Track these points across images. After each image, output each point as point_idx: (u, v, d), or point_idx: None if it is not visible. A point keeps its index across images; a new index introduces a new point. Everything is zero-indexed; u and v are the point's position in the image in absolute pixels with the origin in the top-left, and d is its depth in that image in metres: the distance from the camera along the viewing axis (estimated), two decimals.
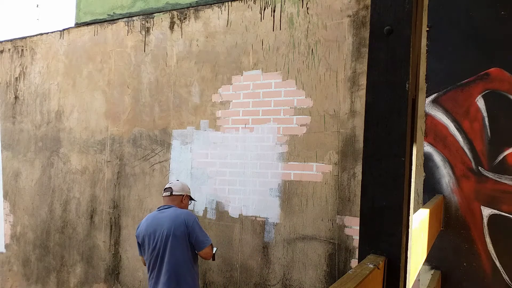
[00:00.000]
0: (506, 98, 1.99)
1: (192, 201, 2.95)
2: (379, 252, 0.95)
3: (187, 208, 2.85)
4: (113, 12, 3.99)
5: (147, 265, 2.66)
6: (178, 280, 2.52)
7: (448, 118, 2.12)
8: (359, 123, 2.79)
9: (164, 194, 2.76)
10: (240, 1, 3.29)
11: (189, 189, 2.89)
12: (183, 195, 2.76)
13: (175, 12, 3.62)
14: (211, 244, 2.68)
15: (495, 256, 1.98)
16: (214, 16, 3.41)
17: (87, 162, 4.05)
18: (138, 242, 2.75)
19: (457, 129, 2.10)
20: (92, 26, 4.11)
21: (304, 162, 2.97)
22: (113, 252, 3.84)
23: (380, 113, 0.96)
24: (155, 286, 2.58)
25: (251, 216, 3.16)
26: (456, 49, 2.12)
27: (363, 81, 2.78)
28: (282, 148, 3.05)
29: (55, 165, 4.27)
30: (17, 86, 4.63)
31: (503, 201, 1.98)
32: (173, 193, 2.71)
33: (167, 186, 2.80)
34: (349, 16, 2.86)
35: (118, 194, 3.84)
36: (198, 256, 2.67)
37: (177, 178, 2.86)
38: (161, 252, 2.56)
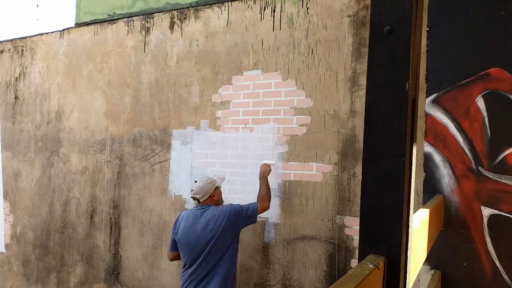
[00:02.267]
0: (506, 98, 1.99)
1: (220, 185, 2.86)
2: (379, 252, 0.95)
3: (221, 198, 2.81)
4: (113, 12, 3.99)
5: (185, 263, 2.65)
6: (223, 281, 2.58)
7: (448, 118, 2.12)
8: (359, 123, 2.78)
9: (195, 202, 2.75)
10: (240, 1, 3.29)
11: (211, 182, 2.72)
12: (209, 195, 2.71)
13: (175, 12, 3.62)
14: (258, 201, 2.70)
15: (495, 256, 1.98)
16: (214, 16, 3.41)
17: (87, 162, 4.05)
18: (172, 236, 2.75)
19: (457, 129, 2.10)
20: (92, 26, 4.11)
21: (304, 162, 2.97)
22: (113, 252, 3.84)
23: (380, 113, 0.96)
24: (196, 284, 2.60)
25: None
26: (456, 49, 2.12)
27: (363, 81, 2.78)
28: (282, 148, 3.05)
29: (55, 165, 4.27)
30: (17, 86, 4.63)
31: (503, 201, 1.98)
32: (201, 200, 2.69)
33: (191, 195, 2.71)
34: (349, 16, 2.86)
35: (118, 194, 3.84)
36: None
37: (195, 180, 2.74)
38: (205, 253, 2.57)
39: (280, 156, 3.04)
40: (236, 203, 2.74)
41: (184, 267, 2.69)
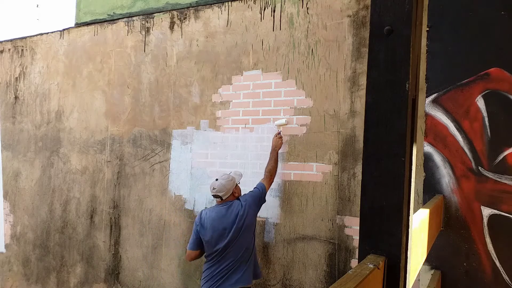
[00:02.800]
0: (506, 98, 1.99)
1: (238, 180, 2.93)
2: (379, 252, 0.95)
3: (241, 193, 2.85)
4: (113, 12, 3.99)
5: (213, 257, 2.70)
6: (250, 270, 2.71)
7: (448, 118, 2.12)
8: (359, 123, 2.78)
9: (216, 199, 2.77)
10: (240, 1, 3.29)
11: (231, 179, 2.77)
12: (232, 191, 2.75)
13: (175, 12, 3.62)
14: (264, 180, 2.83)
15: (495, 256, 1.98)
16: (214, 16, 3.41)
17: (87, 162, 4.05)
18: (197, 233, 2.77)
19: (457, 129, 2.10)
20: (92, 26, 4.11)
21: (304, 162, 2.97)
22: (113, 252, 3.84)
23: (380, 113, 0.96)
24: (225, 275, 2.67)
25: None
26: (456, 49, 2.12)
27: (363, 81, 2.78)
28: (282, 148, 3.05)
29: (55, 165, 4.27)
30: (17, 86, 4.63)
31: (503, 201, 1.98)
32: (223, 198, 2.73)
33: (213, 193, 2.74)
34: (349, 16, 2.86)
35: (118, 194, 3.84)
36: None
37: (216, 178, 2.76)
38: (235, 243, 2.66)
39: (280, 156, 3.04)
40: (249, 191, 2.79)
41: (210, 261, 2.72)
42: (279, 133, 2.98)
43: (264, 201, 2.80)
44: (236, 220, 2.66)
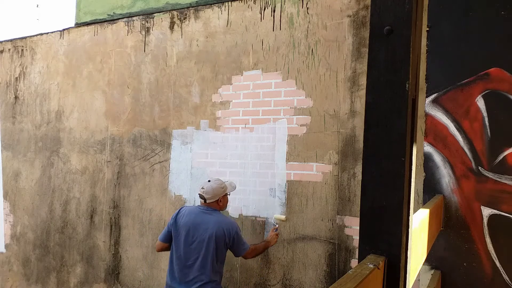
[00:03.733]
0: (506, 98, 1.99)
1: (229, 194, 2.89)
2: (379, 252, 0.95)
3: (226, 206, 2.83)
4: (113, 12, 3.99)
5: (175, 253, 2.70)
6: (204, 280, 2.63)
7: (448, 118, 2.12)
8: (359, 123, 2.78)
9: (200, 200, 2.77)
10: (240, 1, 3.29)
11: (223, 187, 2.75)
12: (217, 199, 2.72)
13: (175, 12, 3.62)
14: (250, 248, 2.74)
15: (495, 256, 1.99)
16: (214, 16, 3.41)
17: (87, 162, 4.05)
18: (169, 227, 2.76)
19: (457, 129, 2.10)
20: (92, 26, 4.11)
21: (304, 162, 2.97)
22: (113, 252, 3.84)
23: (380, 113, 0.96)
24: (176, 276, 2.66)
25: (251, 216, 3.16)
26: (456, 49, 2.12)
27: (363, 81, 2.78)
28: (283, 149, 3.05)
29: (55, 165, 4.27)
30: (17, 86, 4.63)
31: (503, 201, 1.98)
32: (207, 201, 2.71)
33: (199, 192, 2.73)
34: (349, 16, 2.86)
35: (118, 194, 3.84)
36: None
37: (209, 179, 2.76)
38: (197, 250, 2.62)
39: (281, 156, 3.04)
40: (240, 236, 2.72)
41: (172, 256, 2.72)
42: (276, 229, 2.94)
43: (235, 255, 2.73)
44: (208, 231, 2.61)
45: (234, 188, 2.90)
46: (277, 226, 2.95)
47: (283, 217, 2.99)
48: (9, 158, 4.66)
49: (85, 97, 4.10)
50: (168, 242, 2.80)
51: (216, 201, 2.73)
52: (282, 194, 3.05)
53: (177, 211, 2.81)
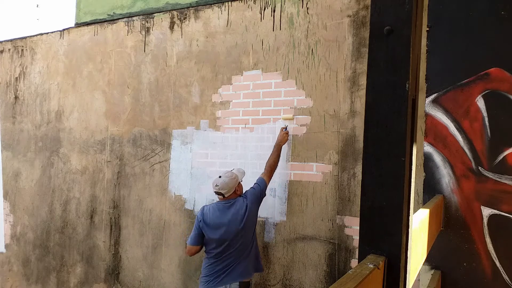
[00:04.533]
0: (506, 98, 1.99)
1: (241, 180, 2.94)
2: (379, 252, 0.95)
3: (243, 191, 2.86)
4: (113, 12, 3.99)
5: (215, 251, 2.72)
6: (254, 262, 2.78)
7: (448, 118, 2.12)
8: (359, 123, 2.78)
9: (218, 197, 2.79)
10: (240, 1, 3.29)
11: (234, 177, 2.77)
12: (234, 189, 2.77)
13: (175, 12, 3.62)
14: (264, 176, 2.83)
15: (495, 256, 1.99)
16: (214, 16, 3.41)
17: (87, 162, 4.05)
18: (199, 229, 2.76)
19: (457, 129, 2.10)
20: (92, 26, 4.11)
21: (304, 162, 2.97)
22: (113, 252, 3.84)
23: (380, 113, 0.96)
24: (227, 272, 2.71)
25: None
26: (456, 49, 2.12)
27: (363, 81, 2.78)
28: (284, 147, 3.04)
29: (55, 165, 4.27)
30: (17, 86, 4.63)
31: (503, 201, 1.98)
32: (226, 195, 2.74)
33: (215, 190, 2.74)
34: (349, 16, 2.86)
35: (118, 194, 3.84)
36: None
37: (219, 175, 2.77)
38: (240, 240, 2.69)
39: (281, 156, 3.04)
40: (251, 188, 2.80)
41: (212, 257, 2.73)
42: (285, 128, 2.97)
43: (265, 195, 2.83)
44: (239, 218, 2.68)
45: (244, 173, 2.93)
46: (286, 125, 2.99)
47: (290, 115, 3.02)
48: (9, 158, 4.66)
49: (85, 97, 4.10)
50: (200, 244, 2.79)
51: (234, 192, 2.77)
52: (282, 194, 3.05)
53: (200, 212, 2.80)
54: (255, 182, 2.83)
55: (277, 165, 2.90)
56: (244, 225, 2.69)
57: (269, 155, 2.91)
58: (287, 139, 2.96)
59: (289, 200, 3.02)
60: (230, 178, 2.74)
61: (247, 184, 3.01)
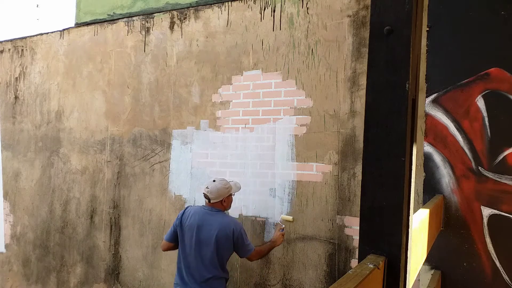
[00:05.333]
0: (506, 98, 1.99)
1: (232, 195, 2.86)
2: (379, 252, 0.95)
3: (230, 206, 2.82)
4: (113, 12, 3.99)
5: (181, 253, 2.71)
6: (208, 279, 2.64)
7: (448, 118, 2.12)
8: (359, 123, 2.78)
9: (205, 200, 2.76)
10: (240, 1, 3.29)
11: (228, 187, 2.72)
12: (222, 199, 2.71)
13: (175, 12, 3.62)
14: (254, 249, 2.70)
15: (495, 256, 1.99)
16: (214, 16, 3.41)
17: (87, 162, 4.05)
18: (174, 227, 2.75)
19: (457, 129, 2.10)
20: (92, 26, 4.11)
21: (304, 162, 2.97)
22: (113, 252, 3.84)
23: (380, 113, 0.96)
24: (187, 273, 2.67)
25: (251, 216, 3.16)
26: (456, 49, 2.12)
27: (363, 81, 2.78)
28: (284, 149, 3.05)
29: (55, 165, 4.27)
30: (17, 86, 4.63)
31: (503, 201, 1.98)
32: (211, 201, 2.70)
33: (204, 191, 2.72)
34: (349, 16, 2.86)
35: (118, 194, 3.84)
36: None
37: (214, 179, 2.75)
38: (201, 248, 2.64)
39: (283, 157, 3.04)
40: (245, 235, 2.69)
41: (179, 258, 2.73)
42: (282, 229, 2.86)
43: (241, 256, 2.71)
44: (211, 231, 2.62)
45: (239, 188, 2.87)
46: (283, 226, 2.88)
47: (290, 217, 2.94)
48: (9, 158, 4.66)
49: (85, 97, 4.10)
50: (174, 241, 2.79)
51: (220, 201, 2.71)
52: (282, 194, 3.05)
53: (182, 211, 2.80)
54: (251, 244, 2.71)
55: (262, 256, 2.79)
56: (214, 243, 2.59)
57: (262, 245, 2.80)
58: (282, 240, 2.84)
59: (289, 200, 3.02)
60: (222, 186, 2.69)
61: (248, 184, 3.02)
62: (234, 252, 2.71)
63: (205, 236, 2.63)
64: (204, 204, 2.79)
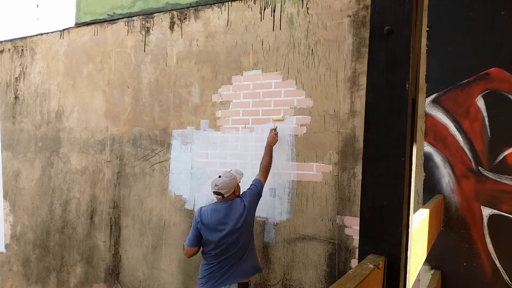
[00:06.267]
0: (506, 98, 1.99)
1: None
2: (379, 252, 0.95)
3: (240, 192, 2.86)
4: (113, 12, 3.99)
5: (213, 252, 2.71)
6: (251, 263, 2.77)
7: (448, 118, 2.12)
8: (359, 123, 2.78)
9: (217, 197, 2.77)
10: (240, 1, 3.29)
11: (234, 178, 2.77)
12: (233, 190, 2.77)
13: (175, 12, 3.62)
14: (261, 175, 2.86)
15: (495, 256, 1.99)
16: (214, 16, 3.41)
17: (87, 162, 4.05)
18: (197, 231, 2.75)
19: (457, 129, 2.10)
20: (92, 26, 4.11)
21: (304, 162, 2.97)
22: (113, 252, 3.84)
23: (380, 113, 0.96)
24: (229, 270, 2.71)
25: None
26: (456, 49, 2.12)
27: (363, 81, 2.78)
28: (285, 148, 3.05)
29: (55, 165, 4.27)
30: (17, 86, 4.63)
31: (503, 201, 1.98)
32: (225, 196, 2.73)
33: (215, 189, 2.73)
34: (349, 16, 2.86)
35: (118, 194, 3.84)
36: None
37: (219, 175, 2.76)
38: (237, 239, 2.69)
39: (283, 157, 3.04)
40: (248, 189, 2.81)
41: (210, 258, 2.72)
42: (275, 129, 3.01)
43: (261, 195, 2.84)
44: (237, 219, 2.68)
45: (242, 174, 2.92)
46: (275, 126, 3.04)
47: (280, 116, 3.06)
48: (9, 158, 4.66)
49: (85, 97, 4.10)
50: (198, 245, 2.77)
51: (233, 192, 2.77)
52: (282, 194, 3.05)
53: (198, 213, 2.79)
54: (252, 183, 2.85)
55: (270, 165, 2.94)
56: (242, 225, 2.69)
57: (262, 157, 2.95)
58: (277, 139, 3.00)
59: (289, 200, 3.02)
60: (230, 178, 2.74)
61: (247, 184, 3.01)
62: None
63: (236, 225, 2.67)
64: (217, 201, 2.79)
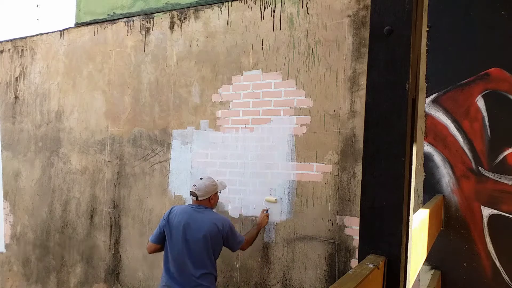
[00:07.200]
0: (506, 98, 1.99)
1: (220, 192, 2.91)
2: (379, 252, 0.95)
3: (216, 204, 2.84)
4: (113, 12, 3.99)
5: (170, 253, 2.69)
6: (199, 276, 2.64)
7: (448, 118, 2.12)
8: (359, 123, 2.78)
9: (192, 198, 2.77)
10: (240, 1, 3.29)
11: (215, 185, 2.78)
12: (209, 196, 2.74)
13: (175, 12, 3.62)
14: (244, 239, 2.78)
15: (495, 256, 1.99)
16: (214, 16, 3.41)
17: (87, 162, 4.05)
18: (161, 228, 2.75)
19: (457, 129, 2.10)
20: (92, 26, 4.11)
21: (304, 162, 2.97)
22: (113, 252, 3.84)
23: (380, 113, 0.96)
24: (173, 275, 2.66)
25: (251, 216, 3.16)
26: (456, 49, 2.12)
27: (363, 81, 2.78)
28: (285, 149, 3.05)
29: (55, 165, 4.27)
30: (17, 86, 4.63)
31: (503, 201, 1.98)
32: (199, 198, 2.72)
33: (191, 189, 2.74)
34: (349, 16, 2.86)
35: (118, 194, 3.84)
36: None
37: (201, 176, 2.78)
38: (191, 246, 2.63)
39: (283, 156, 3.04)
40: (234, 230, 2.74)
41: (170, 259, 2.70)
42: (267, 211, 3.00)
43: (233, 250, 2.76)
44: (201, 228, 2.63)
45: (225, 187, 2.92)
46: (267, 208, 3.01)
47: (273, 198, 3.03)
48: (9, 158, 4.66)
49: (85, 97, 4.10)
50: (160, 243, 2.78)
51: (207, 199, 2.74)
52: (282, 194, 3.05)
53: (168, 211, 2.80)
54: (241, 235, 2.79)
55: (253, 241, 2.89)
56: (203, 241, 2.61)
57: (249, 231, 2.91)
58: (267, 221, 2.98)
59: (289, 200, 3.02)
60: (210, 183, 2.74)
61: (247, 184, 3.02)
62: (226, 248, 2.74)
63: (195, 233, 2.63)
64: (191, 203, 2.79)
